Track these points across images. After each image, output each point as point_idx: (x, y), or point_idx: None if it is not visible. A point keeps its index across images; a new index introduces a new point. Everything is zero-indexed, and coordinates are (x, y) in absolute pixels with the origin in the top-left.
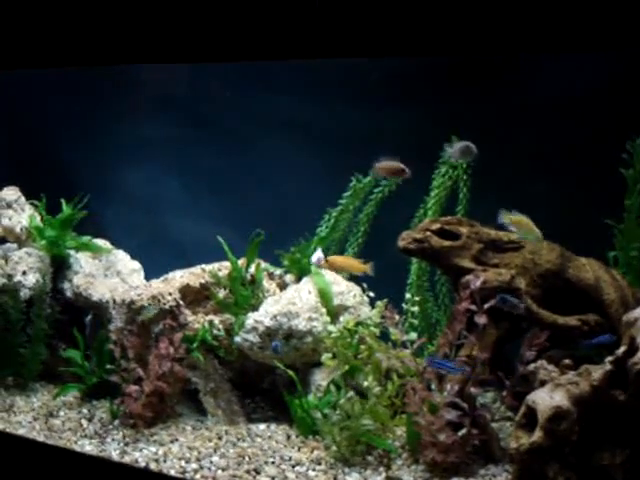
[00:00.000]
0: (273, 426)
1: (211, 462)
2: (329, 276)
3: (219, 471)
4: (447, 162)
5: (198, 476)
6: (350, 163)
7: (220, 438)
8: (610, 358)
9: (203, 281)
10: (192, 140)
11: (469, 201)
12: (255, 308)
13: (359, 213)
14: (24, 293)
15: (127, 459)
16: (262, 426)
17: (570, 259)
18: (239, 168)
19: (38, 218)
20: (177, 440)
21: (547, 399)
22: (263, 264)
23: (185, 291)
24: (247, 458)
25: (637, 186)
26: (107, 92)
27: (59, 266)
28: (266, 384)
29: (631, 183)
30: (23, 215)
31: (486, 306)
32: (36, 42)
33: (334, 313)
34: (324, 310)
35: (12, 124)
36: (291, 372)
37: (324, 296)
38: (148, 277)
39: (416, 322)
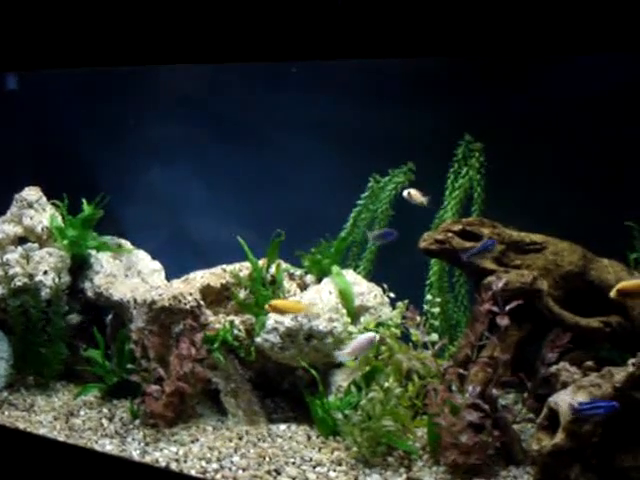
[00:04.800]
0: (294, 426)
1: (232, 462)
2: (350, 276)
3: (240, 471)
4: (463, 161)
5: (219, 476)
6: (371, 163)
7: (241, 438)
8: (633, 360)
9: (224, 281)
10: (213, 140)
11: (484, 201)
12: None
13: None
14: (45, 293)
15: (148, 459)
16: (283, 426)
17: (592, 261)
18: (260, 168)
19: (59, 218)
20: (198, 440)
21: (569, 401)
22: (283, 265)
23: (206, 291)
24: (268, 458)
25: None
26: (128, 92)
27: (80, 266)
28: (286, 384)
29: None
30: (44, 215)
31: (508, 307)
32: (58, 43)
33: (355, 314)
34: (345, 311)
35: (34, 125)
36: (313, 372)
37: (345, 297)
38: (169, 277)
39: (437, 323)
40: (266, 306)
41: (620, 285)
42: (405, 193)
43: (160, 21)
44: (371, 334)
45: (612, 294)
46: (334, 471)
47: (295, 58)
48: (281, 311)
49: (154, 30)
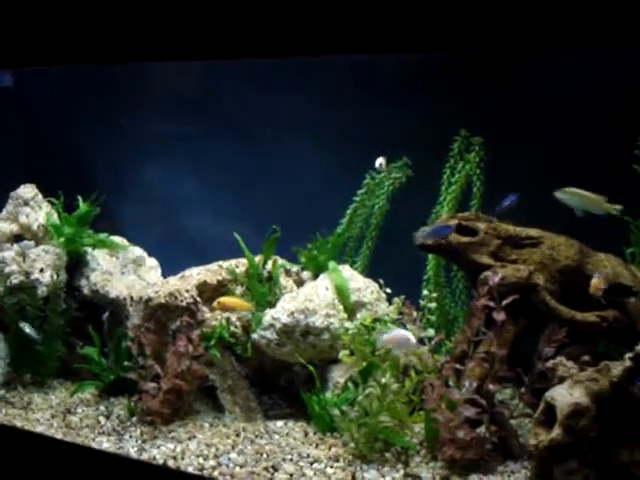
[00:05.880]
0: (291, 423)
1: (229, 459)
2: (346, 272)
3: (237, 468)
4: (459, 156)
5: (216, 473)
6: (367, 160)
7: (238, 435)
8: (630, 354)
9: (220, 278)
10: (209, 138)
11: (483, 195)
12: (272, 305)
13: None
14: (41, 290)
15: (145, 456)
16: (280, 423)
17: (589, 255)
18: (256, 165)
19: (55, 215)
20: (195, 437)
21: (566, 396)
22: (280, 261)
23: (202, 288)
24: (265, 455)
25: None
26: (124, 90)
27: (76, 263)
28: (283, 381)
29: None
30: (40, 212)
31: (504, 302)
32: (53, 39)
33: (351, 310)
34: (341, 307)
35: (29, 122)
36: (311, 367)
37: (341, 293)
38: (165, 274)
39: (433, 318)
40: (214, 303)
41: None
42: (377, 163)
43: (153, 18)
44: (408, 335)
45: None
46: (331, 467)
47: (290, 54)
48: (229, 308)
49: (149, 27)
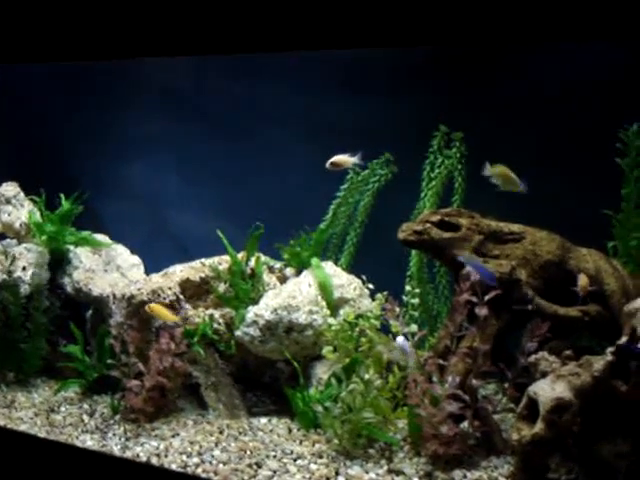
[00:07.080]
0: (274, 420)
1: (212, 456)
2: (329, 269)
3: (220, 465)
4: (438, 152)
5: (199, 470)
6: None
7: (221, 432)
8: (611, 349)
9: (203, 275)
10: (192, 134)
11: (464, 191)
12: (255, 302)
13: (358, 206)
14: (24, 289)
15: (128, 454)
16: (263, 420)
17: (570, 250)
18: (239, 162)
19: (37, 214)
20: (178, 434)
21: (548, 390)
22: (263, 257)
23: (185, 285)
24: (248, 452)
25: (634, 173)
26: (107, 87)
27: (59, 261)
28: (267, 378)
29: (627, 172)
30: (22, 211)
31: (487, 298)
32: (37, 36)
33: (334, 306)
34: (324, 303)
35: (12, 119)
36: (295, 364)
37: (324, 289)
38: (148, 272)
39: (416, 314)
40: (146, 307)
41: None
42: (328, 164)
43: (139, 15)
44: (404, 345)
45: None
46: (315, 464)
47: (276, 50)
48: (158, 316)
49: (135, 23)
